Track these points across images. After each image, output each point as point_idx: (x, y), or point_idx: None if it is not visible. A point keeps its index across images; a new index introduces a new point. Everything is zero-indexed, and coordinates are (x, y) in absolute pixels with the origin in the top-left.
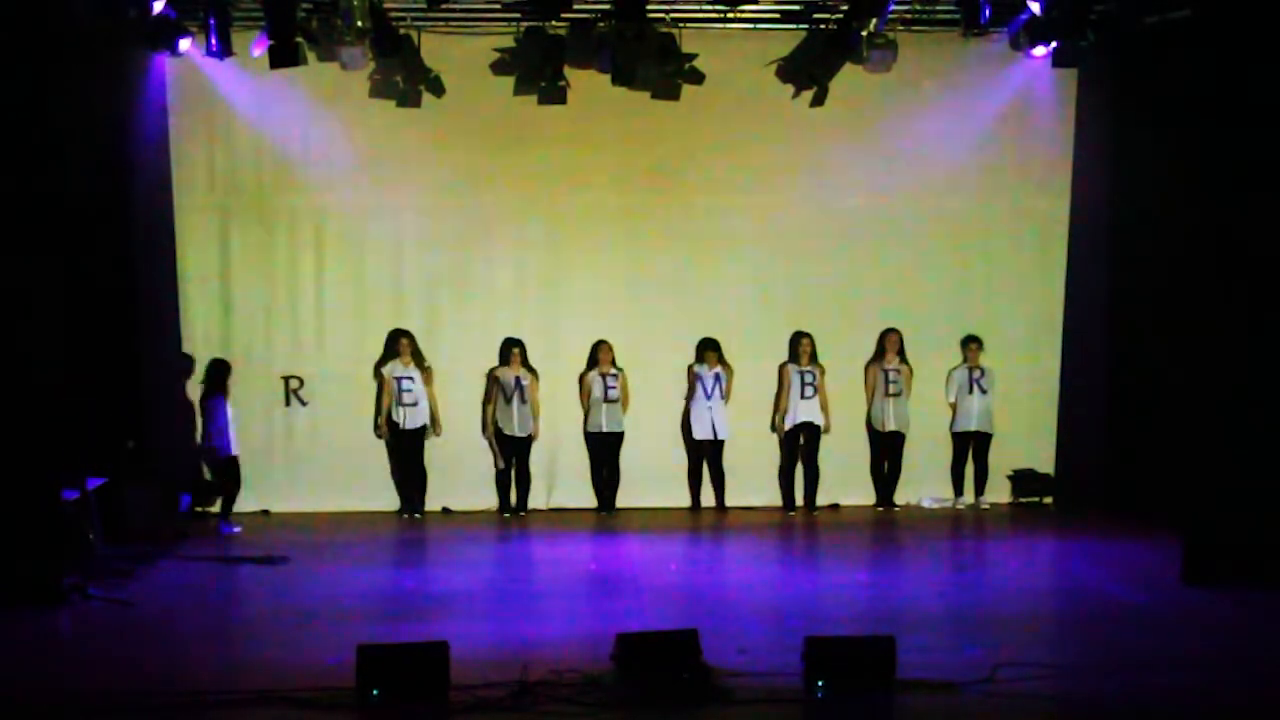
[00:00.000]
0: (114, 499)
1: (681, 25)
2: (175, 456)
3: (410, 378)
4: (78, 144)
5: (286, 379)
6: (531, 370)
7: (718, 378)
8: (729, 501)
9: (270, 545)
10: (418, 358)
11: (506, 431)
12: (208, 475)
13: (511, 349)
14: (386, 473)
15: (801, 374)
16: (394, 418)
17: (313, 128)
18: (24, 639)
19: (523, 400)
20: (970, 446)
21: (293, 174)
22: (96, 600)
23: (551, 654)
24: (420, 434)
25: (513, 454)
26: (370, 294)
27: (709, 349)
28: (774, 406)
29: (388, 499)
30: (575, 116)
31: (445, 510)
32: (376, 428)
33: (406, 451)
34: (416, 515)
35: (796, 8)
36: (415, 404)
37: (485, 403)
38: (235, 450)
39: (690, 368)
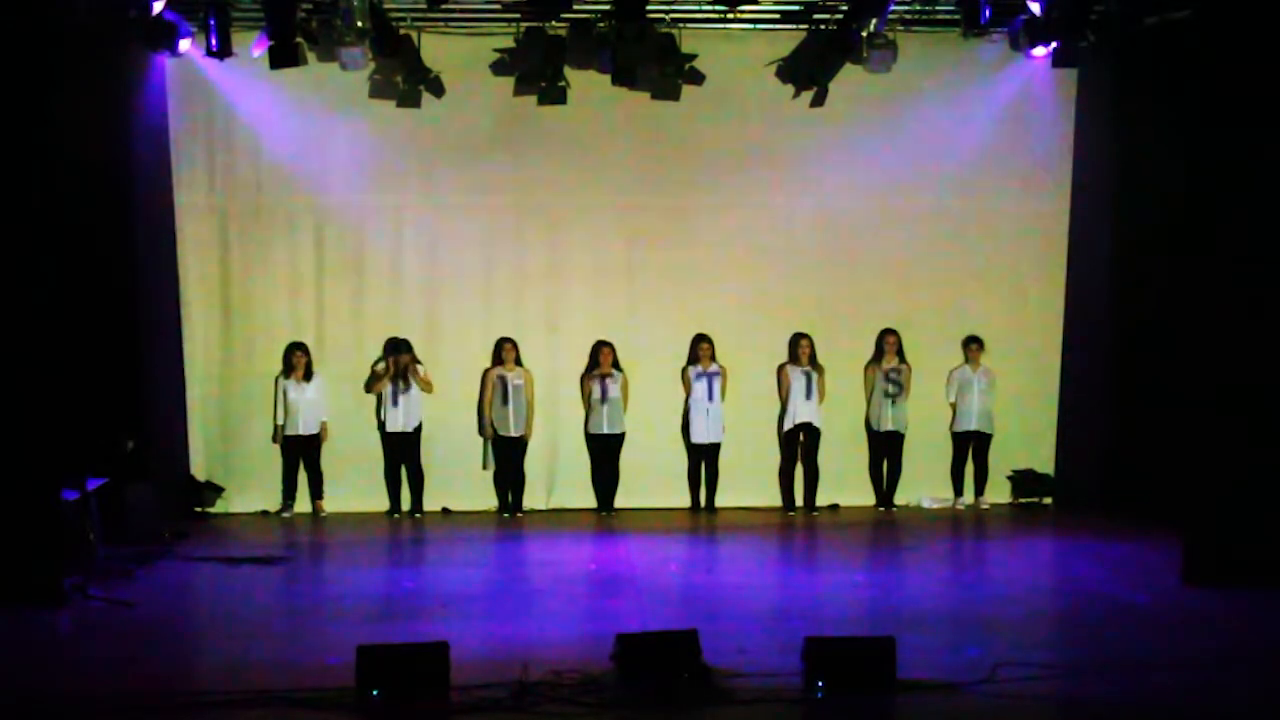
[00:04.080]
0: (114, 499)
1: (681, 25)
2: (175, 456)
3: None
4: (78, 144)
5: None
6: (529, 370)
7: (715, 377)
8: (729, 502)
9: (270, 545)
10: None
11: (502, 432)
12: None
13: (505, 348)
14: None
15: (801, 374)
16: (387, 422)
17: (312, 128)
18: (24, 639)
19: (519, 400)
20: (970, 447)
21: (293, 174)
22: (97, 600)
23: (551, 654)
24: (408, 436)
25: (508, 454)
26: (370, 294)
27: (702, 344)
28: (781, 408)
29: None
30: (575, 116)
31: (445, 510)
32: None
33: (395, 453)
34: (416, 515)
35: (796, 8)
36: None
37: (481, 403)
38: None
39: (684, 370)
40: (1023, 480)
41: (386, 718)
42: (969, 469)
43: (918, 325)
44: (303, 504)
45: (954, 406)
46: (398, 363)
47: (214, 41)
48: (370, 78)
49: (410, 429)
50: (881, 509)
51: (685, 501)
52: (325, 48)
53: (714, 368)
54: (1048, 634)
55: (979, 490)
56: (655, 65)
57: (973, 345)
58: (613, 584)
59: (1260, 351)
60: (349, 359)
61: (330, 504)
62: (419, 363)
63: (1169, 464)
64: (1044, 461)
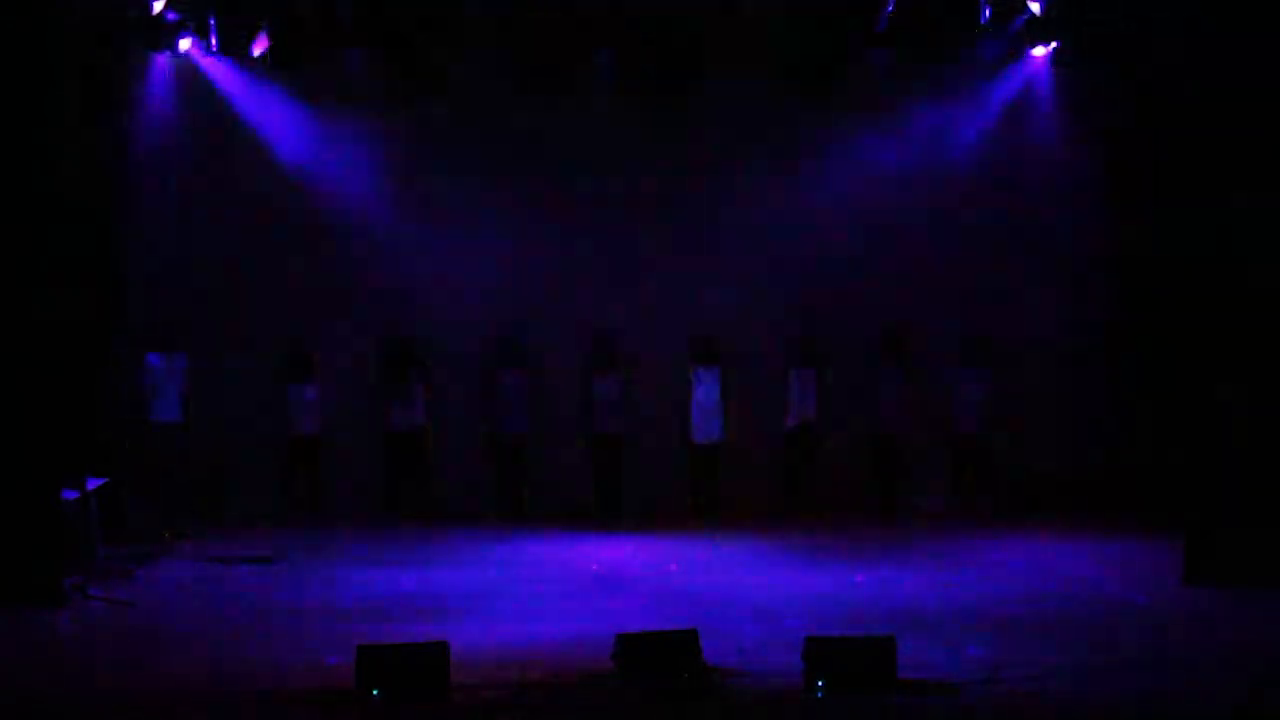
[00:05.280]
0: (114, 499)
1: (683, 25)
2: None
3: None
4: (77, 144)
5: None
6: (529, 370)
7: (716, 377)
8: (729, 502)
9: (270, 545)
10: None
11: (505, 431)
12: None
13: (508, 348)
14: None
15: (800, 374)
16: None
17: (312, 127)
18: (24, 639)
19: (520, 400)
20: (970, 447)
21: (293, 173)
22: (97, 600)
23: (551, 654)
24: (410, 436)
25: (509, 454)
26: (370, 293)
27: (704, 344)
28: (786, 408)
29: (388, 499)
30: (577, 116)
31: (446, 510)
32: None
33: (397, 453)
34: (417, 514)
35: (797, 7)
36: (412, 406)
37: (483, 402)
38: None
39: (685, 369)
40: (1022, 480)
41: (386, 718)
42: (969, 469)
43: (918, 325)
44: (302, 505)
45: (953, 406)
46: (399, 362)
47: (214, 40)
48: (370, 78)
49: (413, 428)
50: (882, 509)
51: (685, 502)
52: (325, 47)
53: (714, 368)
54: (1048, 634)
55: (979, 490)
56: (657, 64)
57: (972, 345)
58: (613, 584)
59: (1259, 351)
60: (349, 359)
61: (331, 504)
62: (420, 364)
63: (1169, 464)
64: (1044, 462)
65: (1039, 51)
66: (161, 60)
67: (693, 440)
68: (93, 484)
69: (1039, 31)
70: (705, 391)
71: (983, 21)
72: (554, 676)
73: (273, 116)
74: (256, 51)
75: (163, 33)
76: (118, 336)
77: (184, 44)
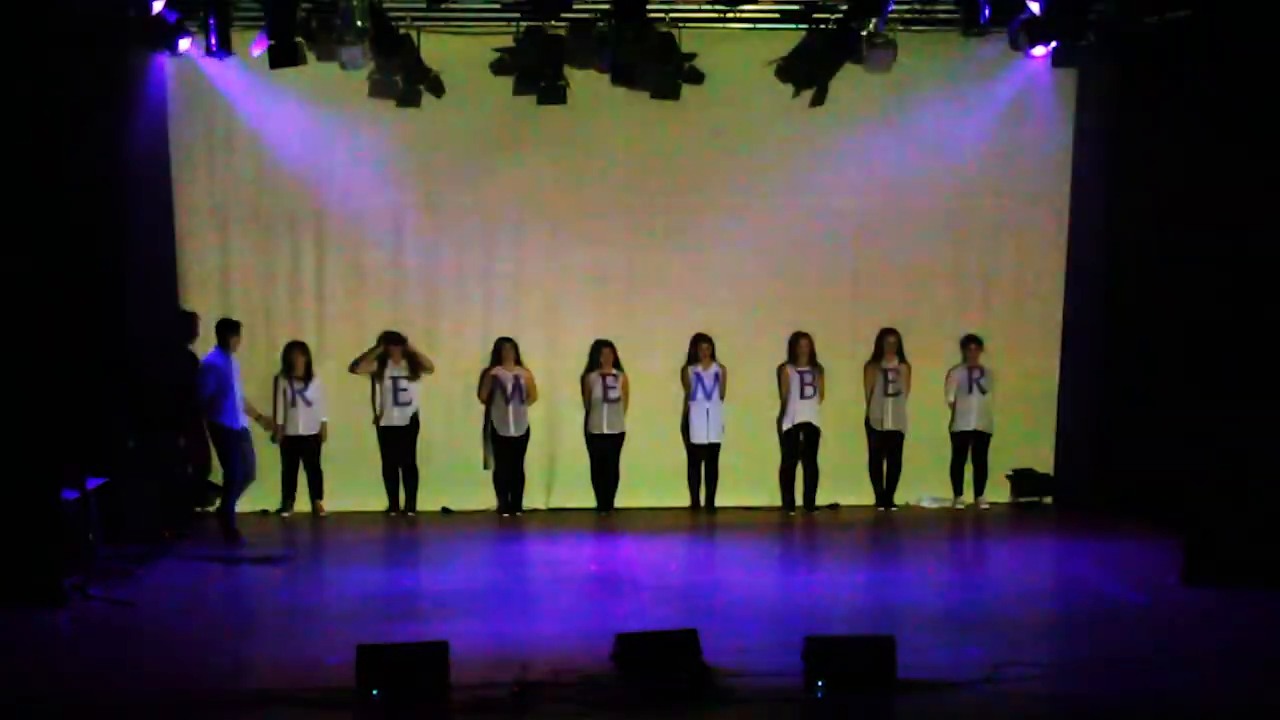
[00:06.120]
0: (114, 499)
1: (681, 25)
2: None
3: (403, 376)
4: (77, 144)
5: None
6: (530, 370)
7: (715, 377)
8: (729, 502)
9: (270, 545)
10: (410, 358)
11: (502, 432)
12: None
13: (505, 348)
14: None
15: (800, 374)
16: (384, 417)
17: (312, 127)
18: (24, 639)
19: (519, 400)
20: (970, 446)
21: (293, 173)
22: (97, 600)
23: (551, 654)
24: (403, 431)
25: (508, 454)
26: (370, 294)
27: (703, 344)
28: (781, 408)
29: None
30: (575, 116)
31: (445, 510)
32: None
33: (395, 449)
34: (410, 513)
35: (796, 8)
36: (409, 404)
37: (482, 401)
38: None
39: (684, 370)
40: (1023, 480)
41: (386, 718)
42: (969, 469)
43: (918, 325)
44: (303, 504)
45: (953, 406)
46: (399, 351)
47: (214, 41)
48: (370, 78)
49: (405, 423)
50: (881, 509)
51: (685, 501)
52: (325, 47)
53: (714, 368)
54: (1048, 634)
55: (979, 490)
56: (655, 65)
57: (972, 345)
58: (613, 584)
59: (1259, 350)
60: (349, 359)
61: (330, 504)
62: (420, 363)
63: (1169, 464)
64: (1044, 461)
65: (1039, 51)
66: (161, 60)
67: (693, 440)
68: (93, 484)
69: (1039, 31)
70: (704, 391)
71: (983, 21)
72: (554, 676)
73: (272, 116)
74: (256, 51)
75: (163, 33)
76: (118, 337)
77: (184, 44)
